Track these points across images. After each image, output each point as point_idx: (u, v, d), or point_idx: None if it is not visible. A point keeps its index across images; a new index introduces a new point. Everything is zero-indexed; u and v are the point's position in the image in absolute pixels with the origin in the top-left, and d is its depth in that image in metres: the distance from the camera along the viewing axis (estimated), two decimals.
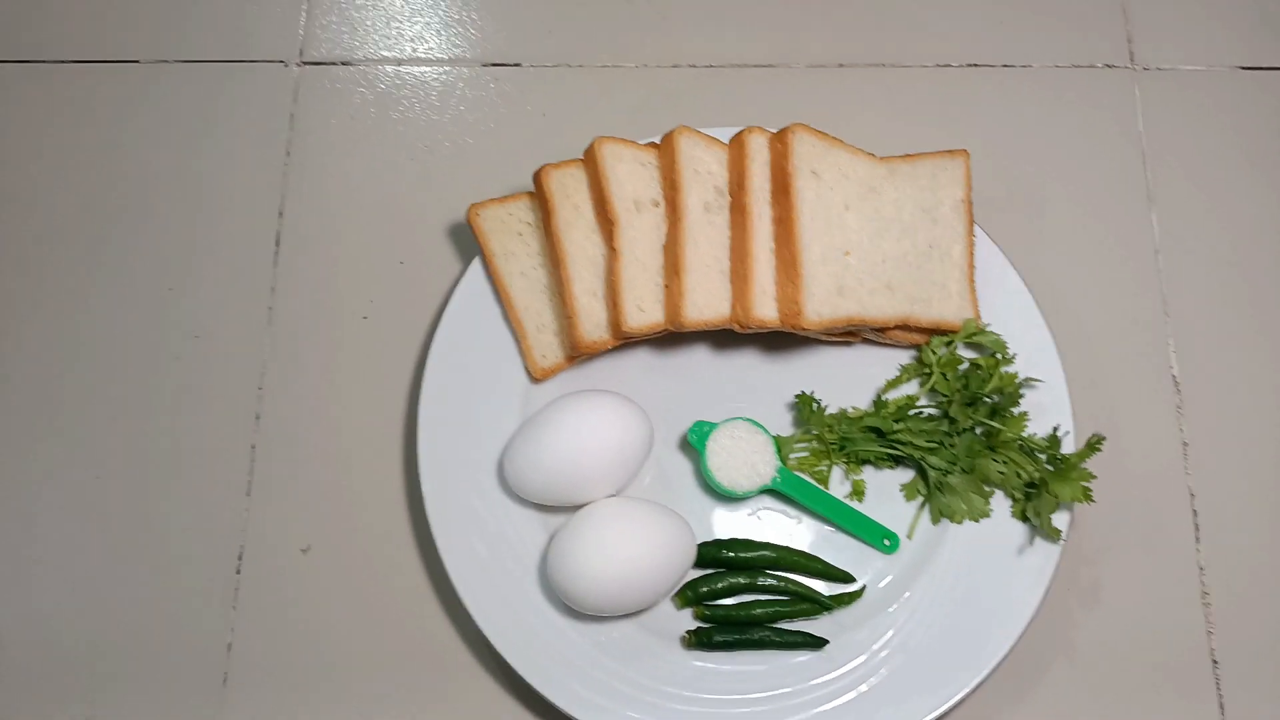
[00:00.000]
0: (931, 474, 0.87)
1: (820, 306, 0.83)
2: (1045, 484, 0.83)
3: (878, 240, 0.87)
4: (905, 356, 0.93)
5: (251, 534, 0.89)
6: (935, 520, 0.88)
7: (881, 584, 0.85)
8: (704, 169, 0.86)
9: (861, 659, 0.82)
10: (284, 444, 0.91)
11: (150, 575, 0.88)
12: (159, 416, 0.92)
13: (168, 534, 0.89)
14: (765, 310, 0.84)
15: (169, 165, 1.01)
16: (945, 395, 0.88)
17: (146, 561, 0.89)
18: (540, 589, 0.83)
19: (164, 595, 0.88)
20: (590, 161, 0.87)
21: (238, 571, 0.89)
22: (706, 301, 0.85)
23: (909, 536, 0.88)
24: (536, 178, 0.89)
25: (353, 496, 0.90)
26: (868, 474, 0.90)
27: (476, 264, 0.92)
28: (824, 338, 0.90)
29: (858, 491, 0.89)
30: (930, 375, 0.89)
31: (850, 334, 0.90)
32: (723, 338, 0.89)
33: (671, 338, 0.88)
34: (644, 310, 0.86)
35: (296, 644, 0.87)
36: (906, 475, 0.90)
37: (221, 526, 0.89)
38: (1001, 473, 0.86)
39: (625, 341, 0.86)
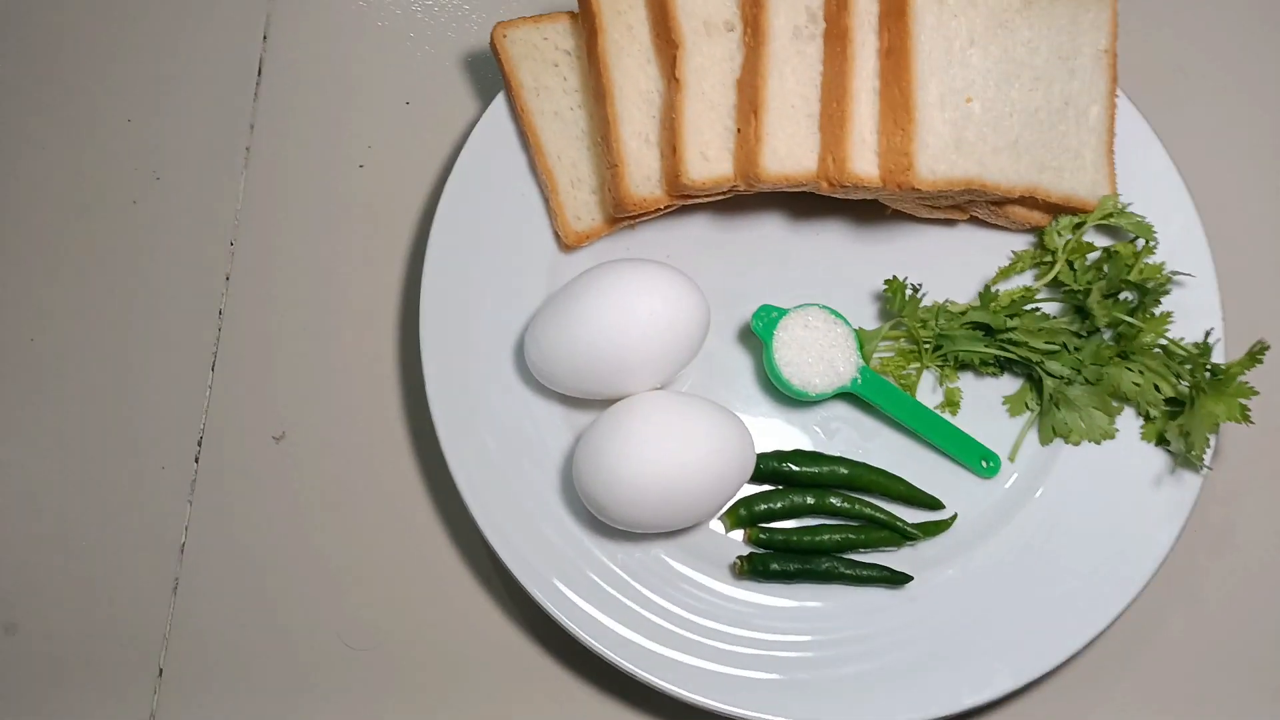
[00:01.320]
0: (1048, 384, 0.71)
1: (934, 162, 0.66)
2: (1198, 398, 0.67)
3: (1005, 87, 0.69)
4: (1020, 242, 0.76)
5: (214, 416, 0.77)
6: (1046, 440, 0.72)
7: (976, 514, 0.72)
8: None
9: (949, 603, 0.70)
10: (257, 311, 0.79)
11: (91, 459, 0.77)
12: (109, 270, 0.80)
13: (112, 411, 0.78)
14: (864, 165, 0.67)
15: None
16: (1071, 289, 0.72)
17: (86, 443, 0.78)
18: (562, 498, 0.70)
19: (106, 484, 0.77)
20: None
21: (196, 460, 0.77)
22: (789, 151, 0.68)
23: (1011, 459, 0.73)
24: None
25: (338, 377, 0.78)
26: (965, 382, 0.74)
27: (499, 101, 0.75)
28: (924, 213, 0.73)
29: (951, 402, 0.73)
30: (1052, 264, 0.73)
31: (956, 209, 0.74)
32: (800, 204, 0.76)
33: (736, 202, 0.75)
34: (709, 159, 0.69)
35: (261, 549, 0.76)
36: (1012, 385, 0.74)
37: (178, 406, 0.77)
38: (1137, 384, 0.71)
39: (681, 201, 0.72)
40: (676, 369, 0.70)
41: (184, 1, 0.84)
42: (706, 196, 0.72)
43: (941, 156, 0.67)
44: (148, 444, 0.76)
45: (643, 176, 0.71)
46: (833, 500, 0.71)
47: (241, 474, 0.75)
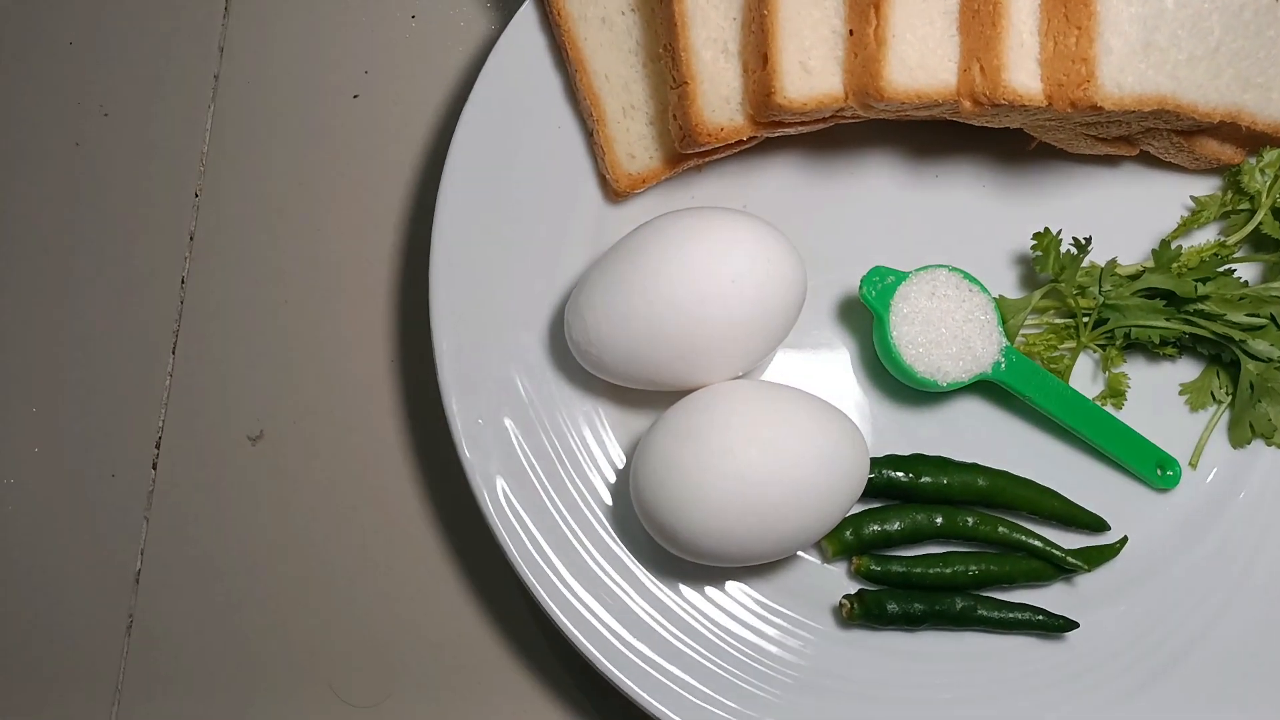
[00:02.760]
0: (1248, 368, 0.55)
1: (1121, 73, 0.50)
2: None
3: None
4: (1203, 185, 0.59)
5: (175, 412, 0.64)
6: (1241, 442, 0.57)
7: (1151, 537, 0.58)
8: None
9: (1124, 653, 0.55)
10: (228, 279, 0.65)
11: (23, 463, 0.63)
12: (46, 227, 0.66)
13: (49, 406, 0.64)
14: (1023, 76, 0.50)
15: None
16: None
17: (16, 445, 0.64)
18: (614, 518, 0.56)
19: (43, 495, 0.63)
20: None
21: (153, 466, 0.64)
22: (921, 59, 0.51)
23: (1192, 466, 0.57)
24: None
25: (328, 363, 0.64)
26: (1133, 366, 0.57)
27: (528, 8, 0.59)
28: (1082, 148, 0.57)
29: (1116, 392, 0.57)
30: (1251, 213, 0.56)
31: (1124, 141, 0.57)
32: (921, 138, 0.61)
33: (837, 135, 0.60)
34: (811, 72, 0.52)
35: (235, 577, 0.61)
36: (1190, 372, 0.58)
37: (131, 400, 0.64)
38: None
39: (769, 131, 0.57)
40: (765, 352, 0.54)
41: None
42: (804, 124, 0.55)
43: (1128, 65, 0.50)
44: (93, 445, 0.63)
45: (720, 97, 0.54)
46: (966, 520, 0.55)
47: (210, 483, 0.62)
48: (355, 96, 0.67)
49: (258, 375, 0.63)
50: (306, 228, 0.65)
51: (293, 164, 0.66)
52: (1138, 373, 0.58)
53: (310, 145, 0.66)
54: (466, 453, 0.54)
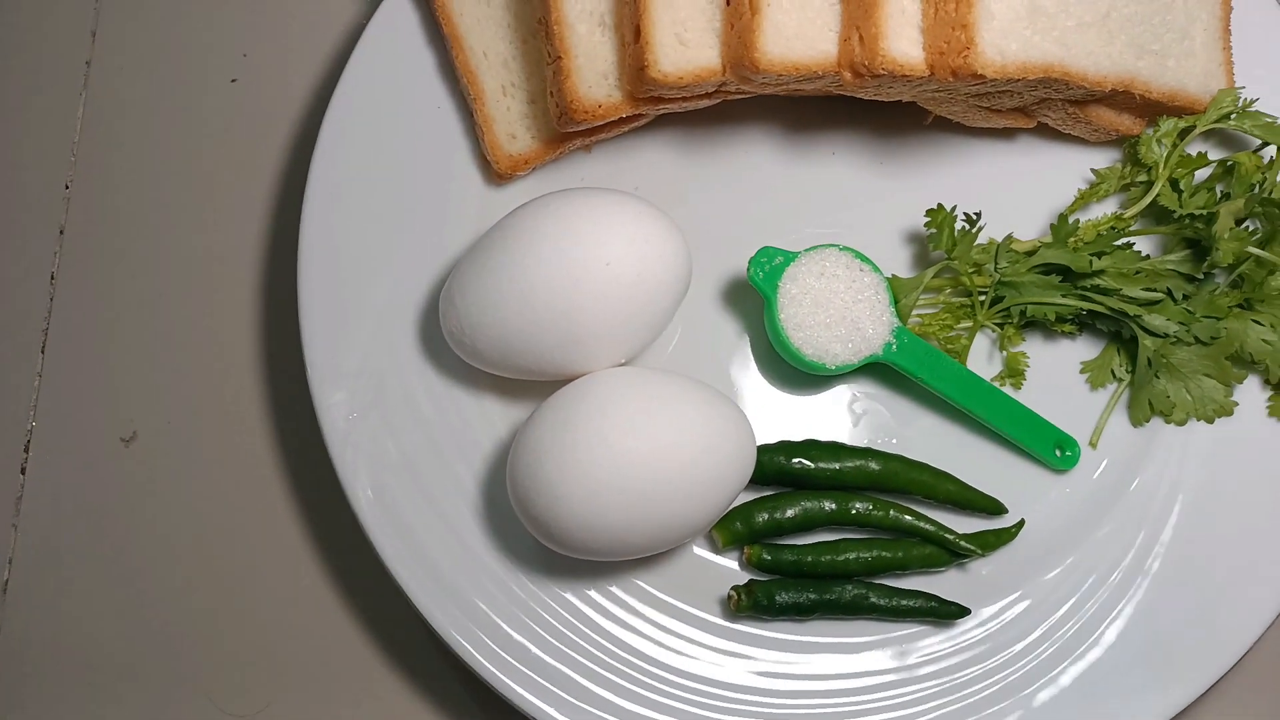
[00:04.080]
0: (1146, 344, 0.53)
1: (1004, 39, 0.48)
2: None
3: None
4: (1102, 158, 0.57)
5: (45, 414, 0.61)
6: (1140, 420, 0.56)
7: (1049, 520, 0.56)
8: None
9: (1021, 639, 0.54)
10: (101, 274, 0.62)
11: None
12: None
13: None
14: (903, 44, 0.48)
15: None
16: (1179, 217, 0.53)
17: None
18: (493, 513, 0.54)
19: None
20: None
21: (22, 470, 0.61)
22: (799, 29, 0.49)
23: (1092, 445, 0.56)
24: None
25: (201, 360, 0.62)
26: (1034, 344, 0.56)
27: None
28: (977, 120, 0.55)
29: (1014, 372, 0.55)
30: (1149, 184, 0.54)
31: (1020, 112, 0.55)
32: (811, 112, 0.59)
33: (726, 111, 0.58)
34: (687, 45, 0.50)
35: (108, 586, 0.58)
36: (1092, 349, 0.56)
37: (1, 402, 0.60)
38: (1267, 343, 0.53)
39: (650, 108, 0.54)
40: (646, 339, 0.52)
41: None
42: (684, 100, 0.53)
43: (1012, 31, 0.48)
44: None
45: (597, 73, 0.52)
46: (858, 506, 0.54)
47: (81, 487, 0.59)
48: (233, 81, 0.64)
49: (130, 374, 0.60)
50: (182, 219, 0.62)
51: (168, 153, 0.63)
52: (1038, 351, 0.57)
53: (186, 133, 0.63)
54: (336, 451, 0.52)
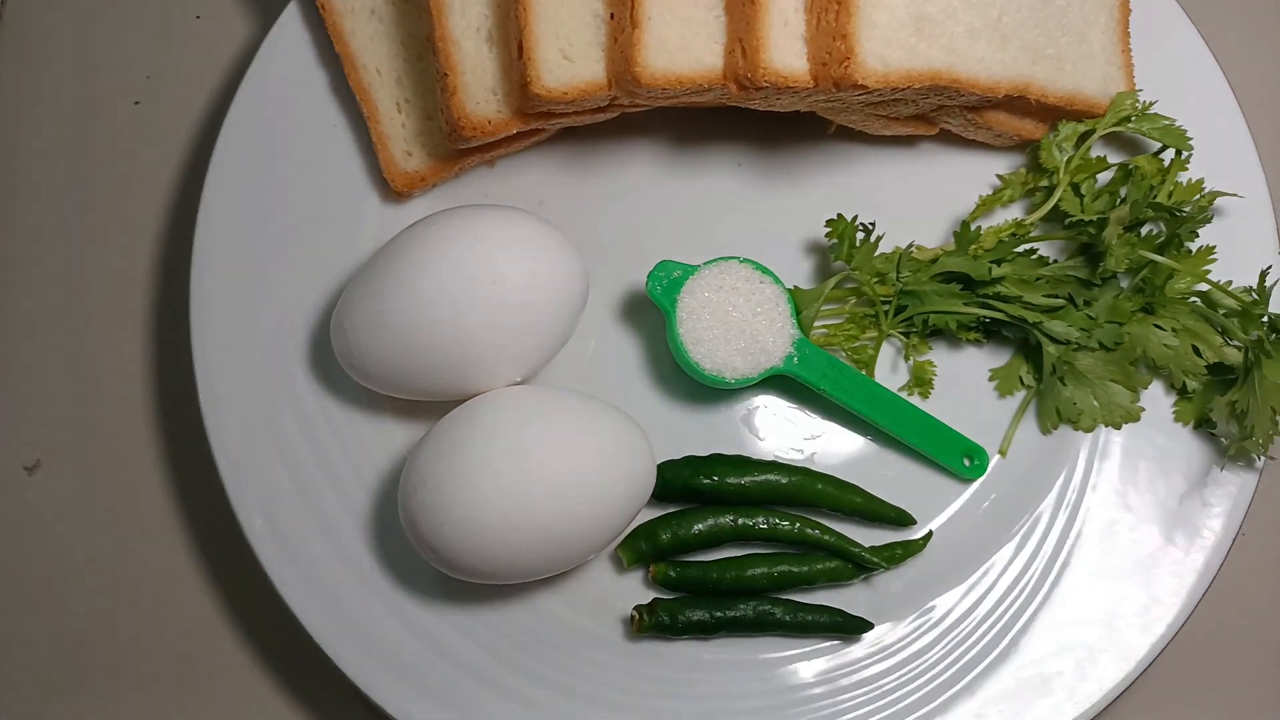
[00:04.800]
0: (1049, 351, 0.53)
1: (886, 48, 0.47)
2: (1255, 364, 0.49)
3: None
4: (1003, 164, 0.57)
5: None
6: (1048, 427, 0.55)
7: (958, 531, 0.56)
8: None
9: (925, 653, 0.53)
10: (2, 301, 0.61)
11: None
12: None
13: None
14: (787, 55, 0.48)
15: None
16: (1078, 222, 0.53)
17: None
18: (386, 538, 0.53)
19: None
20: None
21: None
22: (684, 41, 0.49)
23: (1001, 454, 0.55)
24: None
25: (101, 386, 0.60)
26: (939, 355, 0.55)
27: (296, 3, 0.56)
28: (877, 128, 0.54)
29: (922, 381, 0.55)
30: (1050, 190, 0.54)
31: (920, 120, 0.54)
32: (710, 123, 0.58)
33: (615, 125, 0.57)
34: (572, 60, 0.50)
35: (9, 613, 0.57)
36: (1001, 357, 0.56)
37: None
38: (1169, 347, 0.53)
39: (541, 124, 0.52)
40: (542, 358, 0.52)
41: None
42: (576, 114, 0.52)
43: (895, 39, 0.47)
44: None
45: (484, 89, 0.51)
46: (765, 521, 0.53)
47: None
48: (136, 103, 0.63)
49: (33, 402, 0.59)
50: (84, 245, 0.61)
51: (71, 178, 0.62)
52: (947, 359, 0.56)
53: (89, 158, 0.62)
54: (228, 477, 0.51)
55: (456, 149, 0.54)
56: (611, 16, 0.49)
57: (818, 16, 0.47)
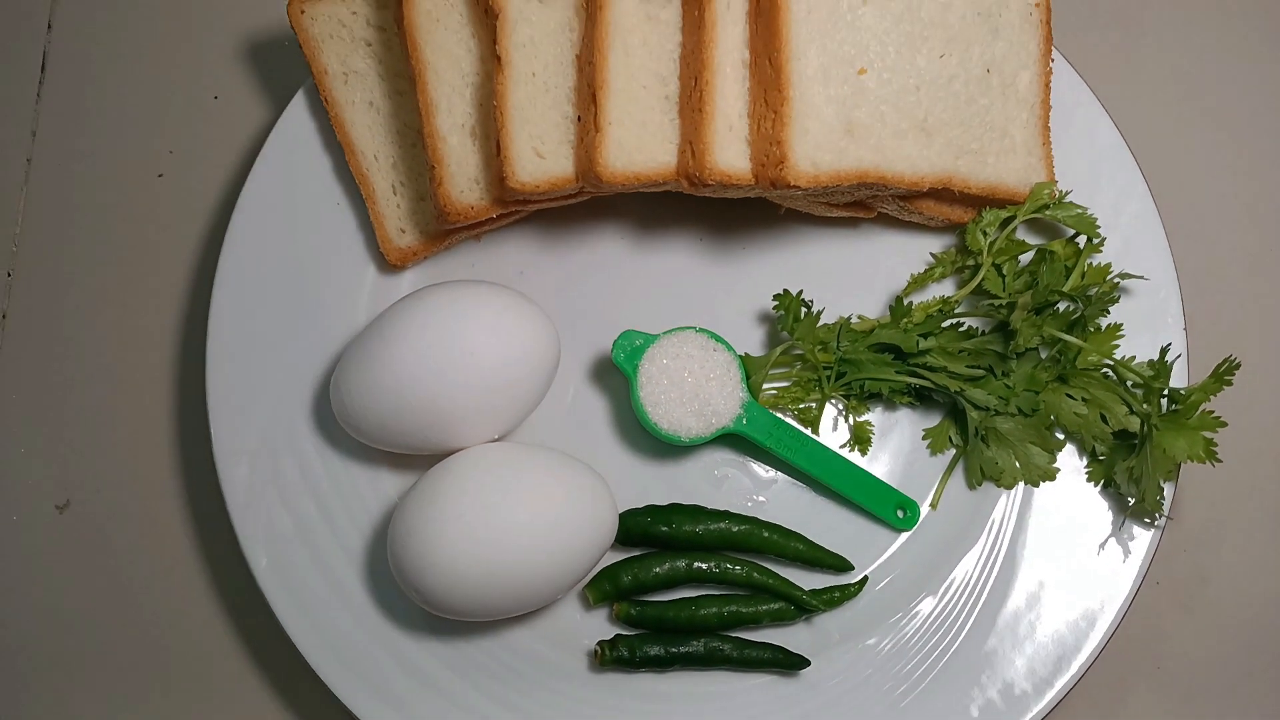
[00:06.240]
0: (972, 415, 0.59)
1: (817, 151, 0.53)
2: (1152, 434, 0.54)
3: (909, 54, 0.56)
4: (938, 244, 0.63)
5: None
6: (974, 483, 0.60)
7: (891, 576, 0.61)
8: None
9: (858, 687, 0.59)
10: (39, 353, 0.68)
11: None
12: None
13: None
14: (731, 156, 0.54)
15: None
16: (999, 299, 0.59)
17: None
18: (377, 577, 0.59)
19: None
20: None
21: None
22: (640, 143, 0.55)
23: (933, 506, 0.61)
24: None
25: (127, 434, 0.67)
26: (876, 416, 0.61)
27: (303, 94, 0.63)
28: (822, 211, 0.60)
29: (860, 440, 0.61)
30: (977, 269, 0.60)
31: (861, 206, 0.61)
32: (671, 205, 0.65)
33: (590, 208, 0.64)
34: (544, 157, 0.56)
35: (38, 641, 0.64)
36: (933, 418, 0.62)
37: None
38: (1079, 415, 0.58)
39: (518, 209, 0.58)
40: (518, 417, 0.58)
41: None
42: (550, 201, 0.59)
43: (826, 143, 0.53)
44: None
45: (467, 179, 0.58)
46: (716, 565, 0.59)
47: (18, 553, 0.65)
48: (160, 176, 0.70)
49: (64, 447, 0.65)
50: (110, 305, 0.67)
51: (101, 243, 0.69)
52: (884, 419, 0.62)
53: (117, 225, 0.69)
54: (238, 520, 0.57)
55: (442, 232, 0.61)
56: (578, 119, 0.56)
57: (758, 123, 0.53)
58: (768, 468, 0.62)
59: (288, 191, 0.62)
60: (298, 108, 0.62)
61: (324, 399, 0.60)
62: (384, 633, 0.57)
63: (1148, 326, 0.60)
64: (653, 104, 0.55)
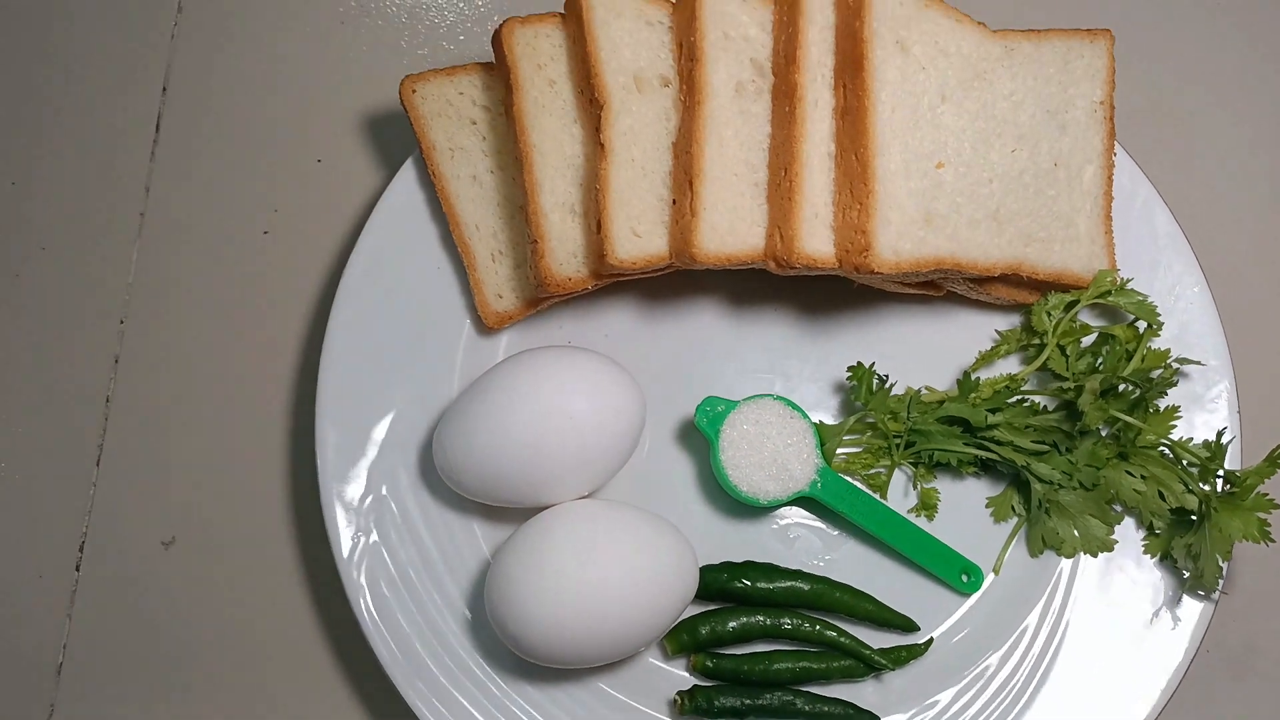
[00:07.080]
0: (1036, 488, 0.62)
1: (899, 240, 0.57)
2: (1209, 514, 0.58)
3: (984, 149, 0.60)
4: (1003, 321, 0.67)
5: (99, 519, 0.70)
6: (1035, 552, 0.63)
7: (956, 637, 0.64)
8: (738, 33, 0.60)
9: None
10: (148, 398, 0.71)
11: None
12: None
13: None
14: (817, 242, 0.58)
15: (21, 19, 0.75)
16: (1063, 377, 0.62)
17: None
18: (475, 626, 0.63)
19: None
20: (574, 16, 0.61)
21: (77, 568, 0.70)
22: (732, 227, 0.59)
23: (995, 572, 0.64)
24: (497, 39, 0.63)
25: (232, 477, 0.71)
26: (943, 483, 0.65)
27: (410, 165, 0.66)
28: (895, 288, 0.64)
29: (927, 506, 0.64)
30: (1042, 348, 0.63)
31: (932, 285, 0.64)
32: (750, 283, 0.68)
33: (677, 279, 0.67)
34: (640, 235, 0.60)
35: (150, 674, 0.67)
36: (997, 487, 0.65)
37: (58, 507, 0.70)
38: (1139, 492, 0.61)
39: (612, 280, 0.62)
40: (606, 475, 0.61)
41: (75, 48, 0.76)
42: (639, 275, 0.63)
43: (906, 233, 0.57)
44: (21, 548, 0.69)
45: (567, 253, 0.62)
46: (789, 621, 0.62)
47: (127, 583, 0.68)
48: (265, 233, 0.74)
49: (171, 486, 0.69)
50: (217, 352, 0.71)
51: (207, 294, 0.72)
52: (950, 487, 0.65)
53: (225, 276, 0.72)
54: (343, 568, 0.61)
55: (539, 298, 0.65)
56: (674, 203, 0.60)
57: (843, 212, 0.57)
58: (837, 530, 0.65)
59: (394, 255, 0.66)
60: (405, 178, 0.67)
61: (425, 454, 0.64)
62: (479, 676, 0.60)
63: (1202, 408, 0.63)
64: (743, 190, 0.60)
